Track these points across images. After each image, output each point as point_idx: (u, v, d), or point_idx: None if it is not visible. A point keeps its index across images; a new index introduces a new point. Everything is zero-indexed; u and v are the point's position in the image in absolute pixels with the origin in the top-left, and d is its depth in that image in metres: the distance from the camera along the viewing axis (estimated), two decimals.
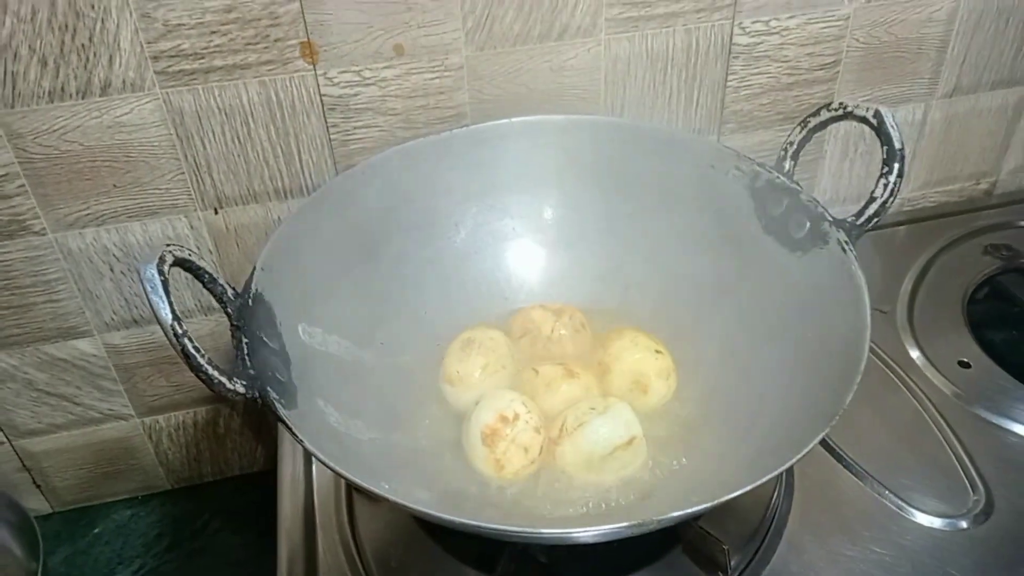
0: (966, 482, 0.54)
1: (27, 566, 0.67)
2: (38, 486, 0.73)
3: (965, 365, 0.64)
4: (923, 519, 0.52)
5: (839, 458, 0.56)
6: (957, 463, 0.55)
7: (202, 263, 0.42)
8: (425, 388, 0.55)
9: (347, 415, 0.47)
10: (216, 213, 0.62)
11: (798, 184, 0.53)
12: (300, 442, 0.38)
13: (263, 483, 0.78)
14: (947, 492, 0.54)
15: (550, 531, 0.39)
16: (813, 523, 0.52)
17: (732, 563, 0.47)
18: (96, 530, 0.74)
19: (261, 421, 0.76)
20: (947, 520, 0.52)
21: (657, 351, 0.53)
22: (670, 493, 0.47)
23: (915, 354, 0.65)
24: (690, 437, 0.50)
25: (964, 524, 0.51)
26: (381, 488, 0.37)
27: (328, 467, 0.37)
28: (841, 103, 0.51)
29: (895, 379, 0.63)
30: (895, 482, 0.54)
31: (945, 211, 0.83)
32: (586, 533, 0.38)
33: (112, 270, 0.63)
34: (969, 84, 0.75)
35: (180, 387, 0.71)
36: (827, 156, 0.77)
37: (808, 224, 0.51)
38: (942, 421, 0.59)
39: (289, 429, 0.39)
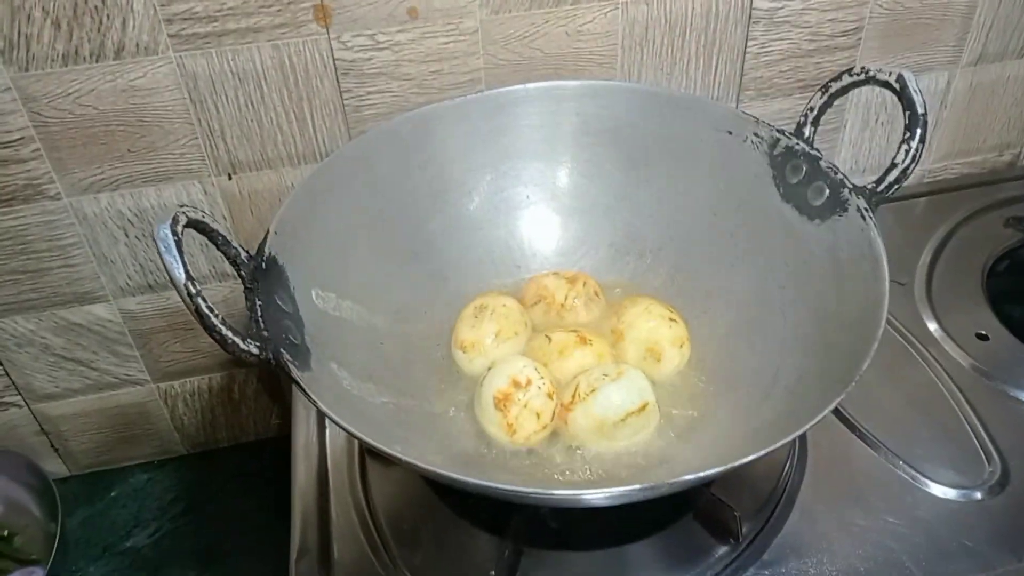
0: (981, 453, 0.54)
1: (46, 527, 0.69)
2: (56, 450, 0.74)
3: (983, 337, 0.63)
4: (937, 490, 0.52)
5: (853, 428, 0.56)
6: (973, 434, 0.55)
7: (216, 225, 0.42)
8: (437, 353, 0.55)
9: (360, 379, 0.47)
10: (230, 179, 0.62)
11: (818, 151, 0.52)
12: (313, 402, 0.38)
13: (277, 448, 0.78)
14: (962, 463, 0.53)
15: (561, 492, 0.39)
16: (826, 493, 0.52)
17: (743, 530, 0.47)
18: (113, 493, 0.75)
19: (275, 387, 0.76)
20: (962, 491, 0.51)
21: (671, 319, 0.53)
22: (682, 459, 0.47)
23: (932, 326, 0.64)
24: (703, 405, 0.50)
25: (979, 495, 0.51)
26: (393, 450, 0.37)
27: (342, 427, 0.37)
28: (863, 67, 0.50)
29: (912, 351, 0.62)
30: (910, 453, 0.54)
31: (966, 183, 0.81)
32: (597, 495, 0.38)
33: (127, 235, 0.63)
34: (995, 52, 0.74)
35: (195, 352, 0.71)
36: (847, 126, 0.75)
37: (827, 191, 0.50)
38: (959, 393, 0.58)
39: (302, 390, 0.39)
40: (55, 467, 0.75)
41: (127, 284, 0.65)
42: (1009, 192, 0.79)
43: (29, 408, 0.71)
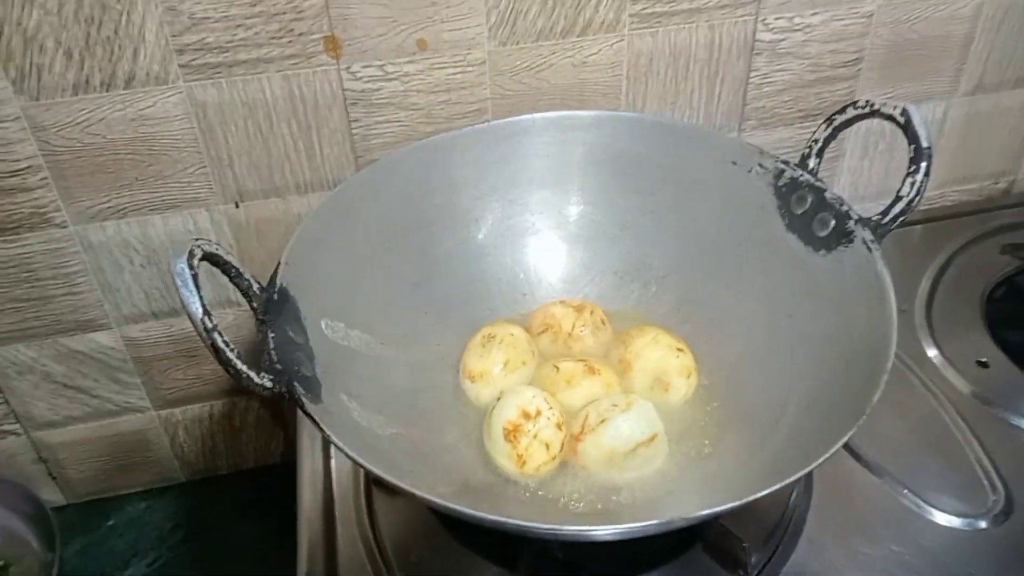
0: (985, 482, 0.54)
1: (43, 557, 0.68)
2: (54, 478, 0.74)
3: (984, 365, 0.64)
4: (942, 518, 0.52)
5: (857, 456, 0.56)
6: (976, 463, 0.55)
7: (229, 257, 0.42)
8: (446, 383, 0.55)
9: (370, 410, 0.47)
10: (237, 207, 0.62)
11: (822, 182, 0.53)
12: (328, 438, 0.38)
13: (278, 476, 0.78)
14: (966, 492, 0.53)
15: (572, 528, 0.39)
16: (832, 521, 0.52)
17: (752, 561, 0.47)
18: (111, 522, 0.74)
19: (277, 414, 0.76)
20: (966, 520, 0.52)
21: (679, 349, 0.53)
22: (692, 489, 0.47)
23: (932, 353, 0.65)
24: (711, 434, 0.50)
25: (983, 524, 0.51)
26: (405, 483, 0.37)
27: (357, 463, 0.37)
28: (868, 101, 0.51)
29: (913, 378, 0.63)
30: (914, 481, 0.54)
31: (963, 210, 0.82)
32: (610, 531, 0.38)
33: (132, 263, 0.63)
34: (991, 82, 0.75)
35: (197, 380, 0.71)
36: (847, 154, 0.76)
37: (833, 222, 0.51)
38: (960, 421, 0.58)
39: (317, 425, 0.39)
40: (52, 495, 0.75)
41: (131, 311, 0.65)
42: (1005, 219, 0.81)
43: (28, 436, 0.70)
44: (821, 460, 0.38)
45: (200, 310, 0.37)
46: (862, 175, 0.79)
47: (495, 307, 0.60)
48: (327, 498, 0.54)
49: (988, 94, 0.76)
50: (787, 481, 0.37)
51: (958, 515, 0.52)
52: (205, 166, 0.60)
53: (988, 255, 0.76)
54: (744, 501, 0.36)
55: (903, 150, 0.77)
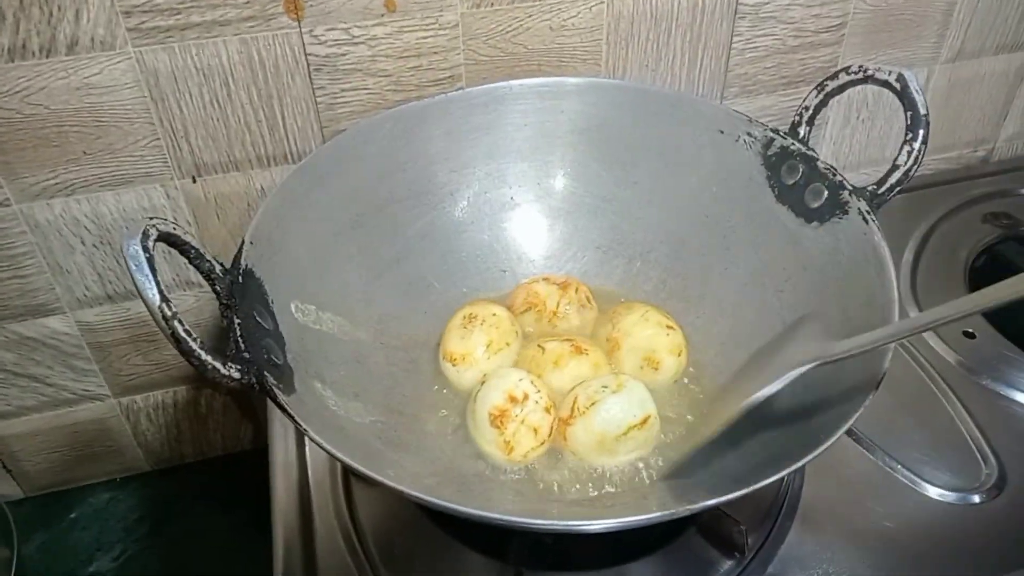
0: (977, 455, 0.53)
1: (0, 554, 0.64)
2: (8, 471, 0.70)
3: (970, 335, 0.63)
4: (935, 493, 0.51)
5: (848, 432, 0.55)
6: (968, 436, 0.54)
7: (188, 237, 0.39)
8: (426, 366, 0.52)
9: (346, 398, 0.45)
10: (194, 182, 0.58)
11: (814, 151, 0.51)
12: (304, 431, 0.35)
13: (248, 463, 0.75)
14: (959, 466, 0.53)
15: (568, 523, 0.37)
16: (826, 499, 0.51)
17: (748, 542, 0.46)
18: (73, 515, 0.71)
19: (245, 400, 0.73)
20: (959, 494, 0.51)
21: (668, 327, 0.51)
22: (686, 473, 0.45)
23: (912, 315, 0.64)
24: (704, 416, 0.49)
25: (977, 498, 0.51)
26: (388, 479, 0.35)
27: (336, 458, 0.35)
28: (861, 66, 0.48)
29: (900, 350, 0.62)
30: (906, 456, 0.53)
31: (942, 179, 0.81)
32: (600, 525, 0.36)
33: (83, 243, 0.59)
34: (973, 48, 0.74)
35: (158, 365, 0.67)
36: (829, 123, 0.75)
37: (826, 193, 0.49)
38: (951, 393, 0.58)
39: (291, 418, 0.36)
40: (8, 489, 0.71)
41: (84, 295, 0.61)
42: (984, 188, 0.80)
43: None
44: (830, 442, 0.36)
45: (157, 297, 0.33)
46: (843, 144, 0.77)
47: (474, 285, 0.58)
48: (302, 489, 0.52)
49: (969, 60, 0.75)
50: (792, 467, 0.35)
51: (951, 490, 0.51)
52: (158, 138, 0.55)
53: (970, 224, 0.75)
54: (747, 490, 0.34)
55: (885, 118, 0.77)
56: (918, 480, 0.52)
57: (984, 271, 0.71)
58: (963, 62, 0.74)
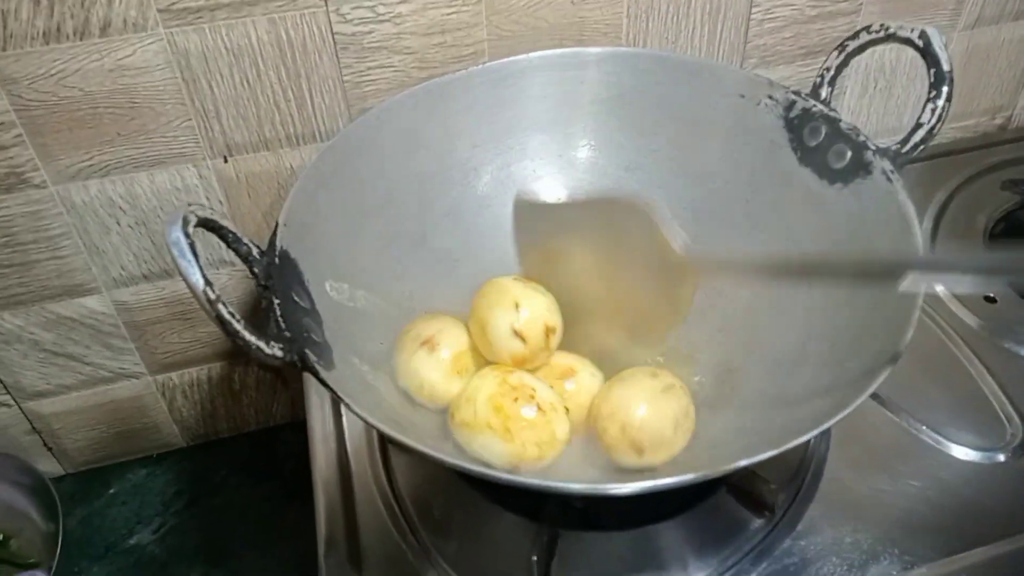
0: (1001, 415, 0.54)
1: (45, 529, 0.66)
2: (49, 448, 0.72)
3: (991, 300, 0.63)
4: (960, 452, 0.52)
5: (873, 394, 0.55)
6: (992, 397, 0.55)
7: (225, 222, 0.40)
8: None
9: (382, 371, 0.46)
10: (226, 161, 0.59)
11: (836, 112, 0.51)
12: (347, 406, 0.37)
13: (281, 437, 0.77)
14: (983, 426, 0.53)
15: (601, 488, 0.38)
16: (852, 460, 0.52)
17: (778, 501, 0.47)
18: (112, 490, 0.73)
19: (277, 375, 0.74)
20: (984, 453, 0.52)
21: None
22: (717, 431, 0.46)
23: (939, 288, 0.65)
24: (732, 376, 0.49)
25: (1002, 457, 0.51)
26: (425, 445, 0.36)
27: (381, 431, 0.36)
28: (882, 24, 0.49)
29: (922, 315, 0.62)
30: (930, 417, 0.54)
31: (960, 147, 0.82)
32: (635, 488, 0.37)
33: (119, 223, 0.60)
34: (992, 14, 0.73)
35: (193, 343, 0.69)
36: (846, 93, 0.75)
37: (849, 153, 0.50)
38: (973, 356, 0.58)
39: (336, 394, 0.37)
40: (49, 466, 0.73)
41: (120, 275, 0.63)
42: (1002, 155, 0.80)
43: (19, 407, 0.68)
44: (859, 400, 0.37)
45: (201, 281, 0.35)
46: (861, 114, 0.77)
47: (498, 258, 0.58)
48: (341, 458, 0.53)
49: (988, 27, 0.75)
50: (824, 426, 0.36)
51: (976, 449, 0.52)
52: (190, 119, 0.57)
53: (988, 191, 0.75)
54: (782, 449, 0.35)
55: (902, 87, 0.77)
56: (943, 440, 0.53)
57: (1004, 237, 0.72)
58: (982, 28, 0.74)
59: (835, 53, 0.51)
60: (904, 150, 0.47)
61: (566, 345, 0.50)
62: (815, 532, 0.48)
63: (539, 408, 0.43)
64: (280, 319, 0.40)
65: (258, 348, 0.37)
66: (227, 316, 0.36)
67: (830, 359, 0.45)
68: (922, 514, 0.49)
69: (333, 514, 0.49)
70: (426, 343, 0.47)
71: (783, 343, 0.48)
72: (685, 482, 0.36)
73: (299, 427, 0.58)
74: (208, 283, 0.35)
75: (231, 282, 0.66)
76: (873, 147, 0.48)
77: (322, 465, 0.52)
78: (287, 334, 0.39)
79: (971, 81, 0.79)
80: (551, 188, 0.60)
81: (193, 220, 0.37)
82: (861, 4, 0.68)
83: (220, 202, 0.61)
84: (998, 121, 0.84)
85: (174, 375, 0.70)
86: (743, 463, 0.36)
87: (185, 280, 0.35)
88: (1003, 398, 0.55)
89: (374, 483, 0.51)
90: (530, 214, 0.53)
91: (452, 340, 0.48)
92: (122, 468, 0.74)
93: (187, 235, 0.36)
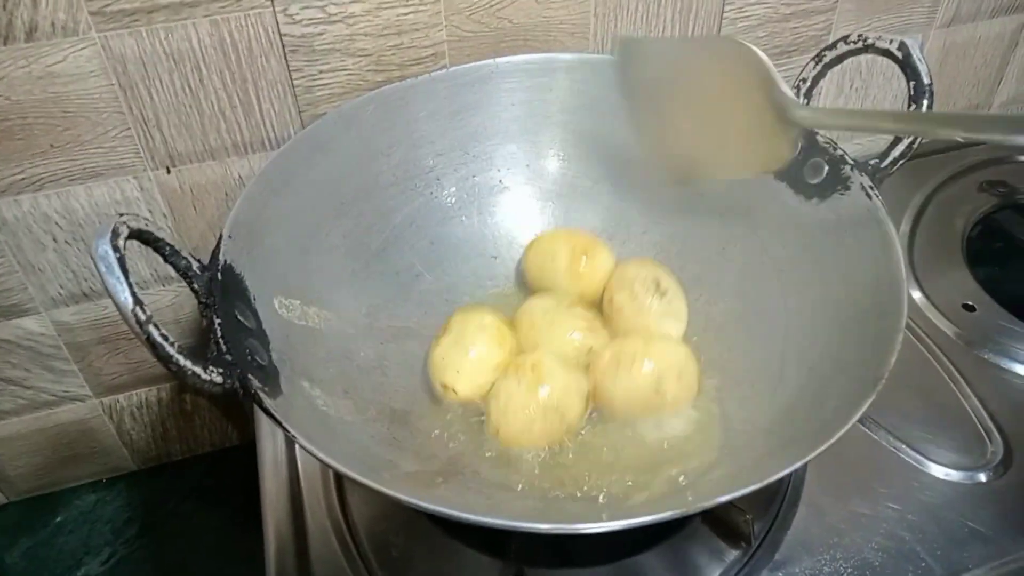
0: (982, 432, 0.52)
1: None
2: None
3: (970, 308, 0.62)
4: (940, 472, 0.50)
5: None
6: (972, 412, 0.53)
7: (161, 234, 0.37)
8: (418, 358, 0.50)
9: (336, 396, 0.43)
10: (169, 172, 0.56)
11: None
12: (294, 438, 0.34)
13: (237, 459, 0.73)
14: (963, 443, 0.52)
15: (588, 526, 0.35)
16: (830, 483, 0.50)
17: (755, 531, 0.45)
18: (58, 519, 0.69)
19: (232, 396, 0.70)
20: (965, 473, 0.50)
21: None
22: (693, 461, 0.43)
23: (917, 296, 0.63)
24: (706, 400, 0.47)
25: (983, 477, 0.50)
26: (382, 482, 0.33)
27: (330, 467, 0.33)
28: (860, 35, 0.47)
29: None
30: (910, 435, 0.52)
31: (937, 147, 0.80)
32: (604, 526, 0.35)
33: (55, 239, 0.56)
34: (968, 12, 0.72)
35: (141, 363, 0.65)
36: (822, 93, 0.73)
37: (826, 168, 0.47)
38: (952, 368, 0.56)
39: (280, 424, 0.34)
40: None
41: (59, 294, 0.59)
42: (979, 156, 0.78)
43: None
44: (844, 429, 0.35)
45: (130, 300, 0.31)
46: None
47: (464, 272, 0.56)
48: (293, 487, 0.50)
49: (964, 25, 0.73)
50: (808, 457, 0.34)
51: (957, 468, 0.50)
52: (129, 128, 0.53)
53: (966, 193, 0.74)
54: (764, 483, 0.33)
55: (879, 87, 0.75)
56: (922, 459, 0.51)
57: (983, 240, 0.70)
58: (958, 26, 0.73)
59: (812, 64, 0.49)
60: (883, 165, 0.45)
61: None
62: (793, 562, 0.45)
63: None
64: (221, 340, 0.37)
65: (194, 374, 0.34)
66: (159, 339, 0.33)
67: (809, 381, 0.43)
68: (903, 540, 0.47)
69: (284, 550, 0.46)
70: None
71: (760, 365, 0.46)
72: (661, 519, 0.34)
73: (255, 448, 0.55)
74: (138, 302, 0.32)
75: (179, 300, 0.62)
76: (851, 161, 0.46)
77: (272, 496, 0.49)
78: (228, 357, 0.36)
79: (947, 80, 0.77)
80: (520, 199, 0.58)
81: (124, 232, 0.34)
82: (836, 2, 0.66)
83: (164, 215, 0.57)
84: None
85: (121, 397, 0.67)
86: (723, 499, 0.34)
87: (113, 299, 0.32)
88: (983, 412, 0.53)
89: (328, 516, 0.48)
90: (634, 50, 0.52)
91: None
92: (69, 494, 0.70)
93: (116, 249, 0.33)
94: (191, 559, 0.66)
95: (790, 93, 0.43)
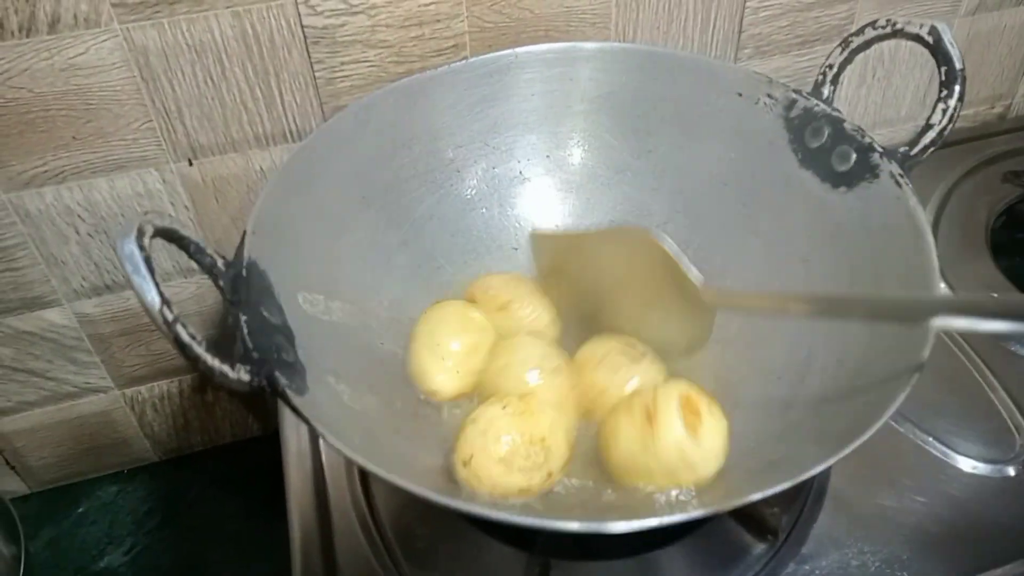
0: (1010, 424, 0.52)
1: (7, 552, 0.63)
2: (12, 467, 0.68)
3: None
4: (967, 465, 0.50)
5: None
6: (1000, 405, 0.53)
7: (186, 232, 0.36)
8: None
9: (361, 391, 0.42)
10: (191, 164, 0.56)
11: (840, 111, 0.48)
12: (322, 435, 0.33)
13: (258, 449, 0.74)
14: (991, 436, 0.51)
15: (617, 524, 0.35)
16: (855, 475, 0.49)
17: (782, 524, 0.45)
18: (80, 509, 0.69)
19: (259, 393, 0.71)
20: (993, 466, 0.50)
21: None
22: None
23: (941, 286, 0.62)
24: (730, 392, 0.47)
25: (1011, 471, 0.49)
26: (409, 480, 0.33)
27: (360, 464, 0.33)
28: (888, 19, 0.46)
29: None
30: (936, 428, 0.52)
31: (960, 138, 0.79)
32: (630, 525, 0.34)
33: (78, 232, 0.56)
34: (994, 0, 0.71)
35: (162, 355, 0.65)
36: (843, 83, 0.71)
37: (854, 156, 0.47)
38: (979, 360, 0.56)
39: (307, 421, 0.34)
40: (13, 485, 0.69)
41: (81, 286, 0.59)
42: (1003, 146, 0.78)
43: None
44: (879, 423, 0.34)
45: (158, 300, 0.31)
46: (859, 104, 0.75)
47: (485, 264, 0.56)
48: (317, 479, 0.50)
49: (990, 12, 0.72)
50: (836, 457, 0.33)
51: (984, 461, 0.50)
52: (151, 120, 0.53)
53: (989, 184, 0.73)
54: (795, 481, 0.32)
55: (901, 76, 0.74)
56: (950, 452, 0.50)
57: (1007, 231, 0.70)
58: (983, 14, 0.72)
59: (838, 50, 0.48)
60: (913, 152, 0.44)
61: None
62: (820, 555, 0.45)
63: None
64: (248, 337, 0.37)
65: (222, 373, 0.34)
66: (186, 339, 0.33)
67: (838, 373, 0.42)
68: (931, 533, 0.46)
69: (309, 542, 0.46)
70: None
71: (786, 357, 0.46)
72: (691, 518, 0.33)
73: (276, 439, 0.54)
74: (165, 302, 0.32)
75: (200, 291, 0.62)
76: (880, 149, 0.45)
77: (297, 487, 0.49)
78: (255, 355, 0.36)
79: (971, 69, 0.76)
80: (540, 190, 0.58)
81: (149, 231, 0.34)
82: None
83: (185, 208, 0.57)
84: (997, 110, 0.82)
85: (143, 388, 0.67)
86: (755, 496, 0.33)
87: (140, 299, 0.32)
88: (1011, 405, 0.53)
89: (353, 508, 0.48)
90: (545, 245, 0.53)
91: None
92: (91, 485, 0.71)
93: (142, 248, 0.32)
94: (212, 549, 0.67)
95: (695, 275, 0.43)
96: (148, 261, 0.32)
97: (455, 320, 0.49)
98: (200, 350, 0.33)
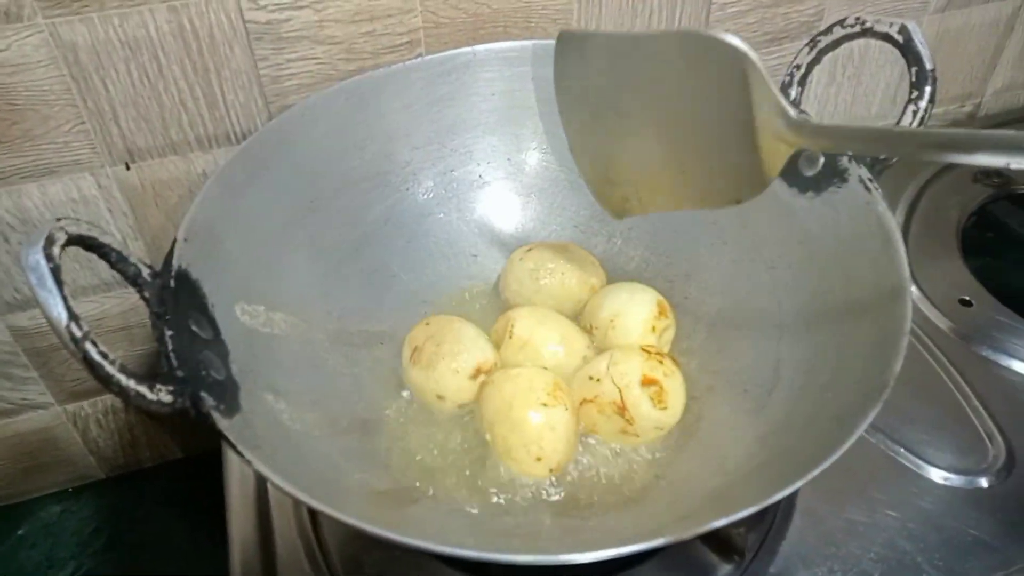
0: (982, 433, 0.50)
1: None
2: None
3: (966, 303, 0.60)
4: (940, 477, 0.48)
5: None
6: (971, 412, 0.51)
7: (106, 238, 0.34)
8: (391, 366, 0.48)
9: (303, 408, 0.40)
10: (128, 168, 0.53)
11: (807, 114, 0.46)
12: (250, 463, 0.31)
13: (210, 465, 0.70)
14: (964, 446, 0.50)
15: (572, 556, 0.33)
16: (825, 489, 0.47)
17: (748, 543, 0.43)
18: (20, 531, 0.66)
19: (182, 415, 0.67)
20: (966, 477, 0.48)
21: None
22: (683, 473, 0.41)
23: (912, 290, 0.60)
24: (698, 404, 0.45)
25: (984, 482, 0.48)
26: (350, 514, 0.30)
27: (291, 496, 0.30)
28: (858, 18, 0.44)
29: None
30: (908, 438, 0.50)
31: None
32: (593, 555, 0.32)
33: (8, 241, 0.53)
34: None
35: None
36: (813, 81, 0.69)
37: (822, 160, 0.45)
38: (950, 367, 0.54)
39: (234, 447, 0.31)
40: None
41: (15, 298, 0.55)
42: None
43: None
44: (847, 444, 0.33)
45: (64, 315, 0.28)
46: (828, 103, 0.73)
47: (442, 272, 0.53)
48: (261, 503, 0.47)
49: (959, 10, 0.71)
50: (805, 479, 0.31)
51: (957, 472, 0.48)
52: (84, 121, 0.50)
53: (960, 184, 0.72)
54: (762, 505, 0.30)
55: (871, 74, 0.73)
56: (921, 463, 0.49)
57: (978, 232, 0.68)
58: (953, 12, 0.70)
59: (806, 50, 0.46)
60: (882, 155, 0.42)
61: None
62: (790, 572, 0.43)
63: None
64: (172, 355, 0.34)
65: (138, 395, 0.31)
66: (96, 358, 0.30)
67: (807, 387, 0.40)
68: (903, 550, 0.45)
69: (249, 570, 0.43)
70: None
71: (753, 368, 0.44)
72: (650, 547, 0.31)
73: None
74: (73, 317, 0.29)
75: (137, 304, 0.59)
76: (848, 153, 0.43)
77: (238, 512, 0.47)
78: (179, 373, 0.33)
79: (941, 67, 0.73)
80: (500, 194, 0.55)
81: (61, 239, 0.31)
82: None
83: (124, 214, 0.54)
84: (967, 108, 0.81)
85: (86, 404, 0.63)
86: (719, 523, 0.31)
87: (45, 314, 0.29)
88: (983, 413, 0.51)
89: (298, 534, 0.45)
90: (578, 55, 0.44)
91: None
92: (33, 506, 0.67)
93: (50, 258, 0.29)
94: (161, 569, 0.63)
95: (787, 104, 0.35)
96: (56, 272, 0.29)
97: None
98: (112, 369, 0.30)
